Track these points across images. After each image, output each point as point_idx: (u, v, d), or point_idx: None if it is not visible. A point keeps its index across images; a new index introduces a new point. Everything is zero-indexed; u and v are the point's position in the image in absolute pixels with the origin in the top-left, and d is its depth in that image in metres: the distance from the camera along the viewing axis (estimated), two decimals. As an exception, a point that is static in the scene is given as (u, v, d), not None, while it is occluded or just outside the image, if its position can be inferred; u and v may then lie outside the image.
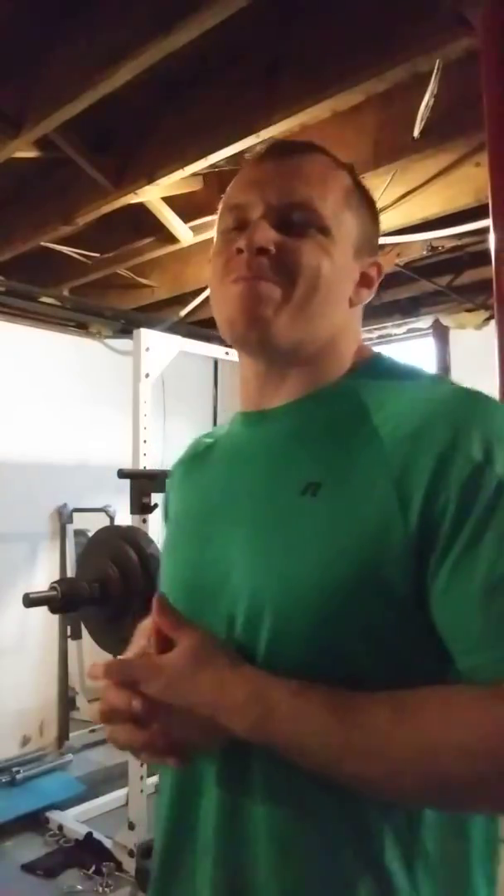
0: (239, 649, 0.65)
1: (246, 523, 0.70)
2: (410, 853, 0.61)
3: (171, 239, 2.70)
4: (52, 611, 2.21)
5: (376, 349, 0.80)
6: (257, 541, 0.68)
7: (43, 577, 3.55)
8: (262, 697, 0.60)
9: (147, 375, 2.63)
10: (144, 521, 2.48)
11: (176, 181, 2.28)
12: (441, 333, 3.74)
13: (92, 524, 3.29)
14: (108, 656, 3.37)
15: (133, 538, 2.21)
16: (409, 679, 0.58)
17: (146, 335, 2.69)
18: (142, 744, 0.65)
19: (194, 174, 2.29)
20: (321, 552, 0.62)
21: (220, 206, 0.78)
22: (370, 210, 0.78)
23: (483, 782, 0.54)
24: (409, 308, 3.74)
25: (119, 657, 0.73)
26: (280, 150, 0.76)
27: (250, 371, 0.77)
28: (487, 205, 1.38)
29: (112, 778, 3.17)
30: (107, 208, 2.42)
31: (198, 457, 0.88)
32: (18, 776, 3.11)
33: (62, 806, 2.97)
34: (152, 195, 2.40)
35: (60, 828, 2.82)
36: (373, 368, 0.75)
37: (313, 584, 0.62)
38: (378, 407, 0.67)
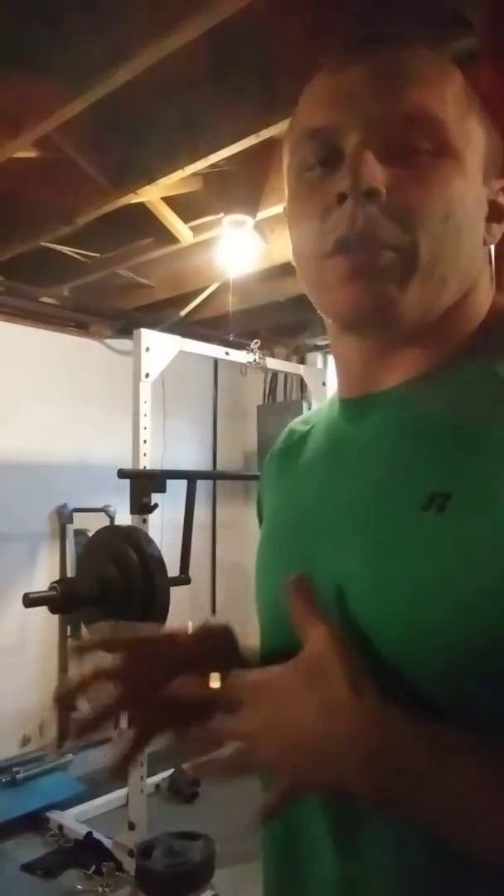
0: None
1: (359, 536, 0.56)
2: None
3: (171, 239, 2.70)
4: (52, 611, 2.21)
5: None
6: (375, 558, 0.54)
7: (43, 577, 3.54)
8: (391, 749, 0.47)
9: (147, 375, 2.63)
10: (144, 521, 2.48)
11: (176, 181, 2.28)
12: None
13: (92, 524, 3.29)
14: (108, 657, 3.35)
15: (133, 538, 2.21)
16: None
17: (146, 335, 2.69)
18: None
19: (194, 174, 2.29)
20: (456, 588, 0.48)
21: (288, 136, 0.60)
22: (490, 119, 0.58)
23: None
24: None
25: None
26: (368, 44, 0.56)
27: (351, 351, 0.61)
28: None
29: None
30: (107, 208, 2.42)
31: (293, 448, 0.72)
32: (18, 776, 3.10)
33: (62, 806, 2.97)
34: (152, 195, 2.40)
35: (60, 828, 2.82)
36: None
37: (445, 631, 0.48)
38: None
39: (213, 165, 2.17)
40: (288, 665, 0.51)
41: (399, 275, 0.53)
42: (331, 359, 0.72)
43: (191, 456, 4.36)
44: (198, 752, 0.54)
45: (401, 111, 0.52)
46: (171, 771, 3.21)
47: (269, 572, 0.67)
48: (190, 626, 0.64)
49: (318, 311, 0.60)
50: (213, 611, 4.54)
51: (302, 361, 4.14)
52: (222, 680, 0.53)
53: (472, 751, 0.47)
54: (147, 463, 2.60)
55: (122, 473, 2.50)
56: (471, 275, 0.57)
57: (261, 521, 0.77)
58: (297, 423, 0.75)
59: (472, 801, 0.46)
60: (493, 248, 0.61)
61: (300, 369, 3.77)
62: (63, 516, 3.72)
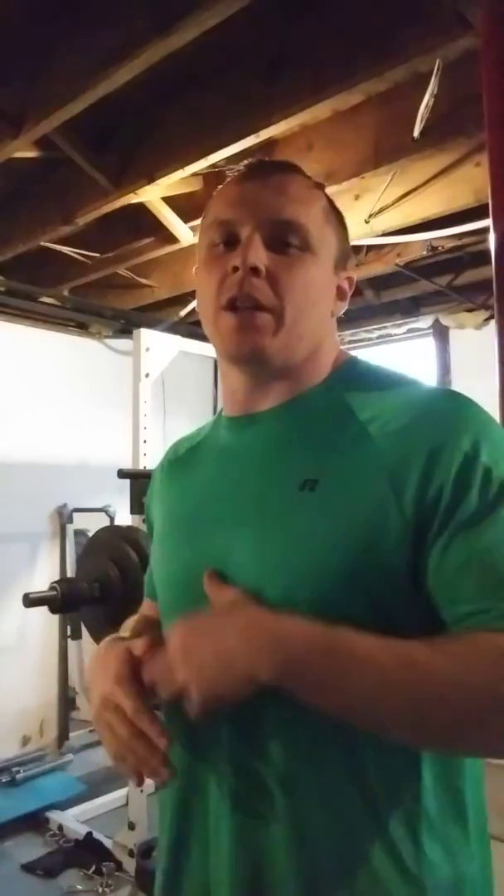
0: None
1: (247, 520, 0.73)
2: (414, 817, 0.65)
3: (171, 239, 2.70)
4: (52, 611, 2.21)
5: (353, 353, 0.85)
6: (261, 535, 0.71)
7: (43, 577, 3.54)
8: (291, 636, 0.62)
9: (147, 375, 2.63)
10: (144, 520, 2.48)
11: (176, 181, 2.28)
12: (441, 333, 3.74)
13: (92, 524, 3.29)
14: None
15: (133, 538, 2.21)
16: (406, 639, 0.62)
17: (146, 335, 2.69)
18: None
19: (194, 174, 2.29)
20: (323, 540, 0.66)
21: (203, 221, 0.81)
22: (342, 226, 0.82)
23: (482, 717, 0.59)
24: (409, 308, 3.74)
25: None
26: (262, 168, 0.80)
27: (237, 380, 0.80)
28: (487, 205, 1.39)
29: (112, 778, 3.17)
30: (107, 208, 2.42)
31: (179, 461, 0.91)
32: (18, 776, 3.11)
33: (62, 806, 2.97)
34: (152, 195, 2.40)
35: (60, 828, 2.82)
36: (351, 371, 0.80)
37: (317, 568, 0.66)
38: (361, 407, 0.72)
39: (213, 165, 2.17)
40: (205, 612, 0.69)
41: (270, 330, 0.73)
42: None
43: (191, 456, 4.35)
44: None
45: (281, 217, 0.74)
46: (171, 771, 3.21)
47: (172, 558, 0.82)
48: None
49: (213, 347, 0.80)
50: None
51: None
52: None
53: (361, 635, 0.61)
54: (147, 463, 2.60)
55: (122, 473, 2.50)
56: (321, 333, 0.78)
57: (149, 525, 0.95)
58: (180, 442, 0.94)
59: (365, 675, 0.59)
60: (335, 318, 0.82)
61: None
62: (63, 516, 3.73)
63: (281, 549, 0.69)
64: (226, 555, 0.73)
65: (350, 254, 0.84)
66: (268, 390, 0.78)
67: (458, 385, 3.28)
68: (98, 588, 2.12)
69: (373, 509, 0.65)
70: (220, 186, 0.82)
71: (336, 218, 0.81)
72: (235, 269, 0.73)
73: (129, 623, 0.92)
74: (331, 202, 0.81)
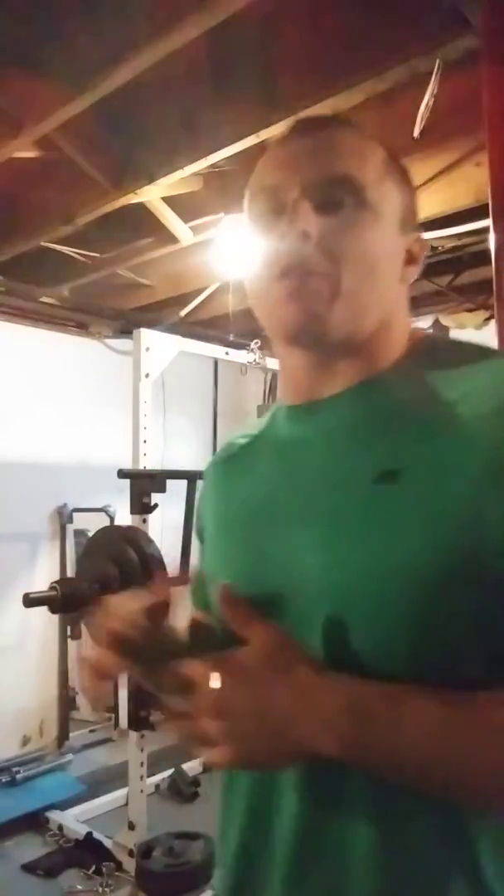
0: (321, 651, 0.60)
1: (316, 518, 0.65)
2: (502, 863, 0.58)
3: (171, 239, 2.70)
4: (52, 611, 2.20)
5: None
6: (333, 535, 0.63)
7: (43, 577, 3.55)
8: (356, 707, 0.54)
9: (147, 375, 2.64)
10: (144, 521, 2.48)
11: (176, 181, 2.28)
12: (441, 333, 3.74)
13: (92, 524, 3.29)
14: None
15: (133, 538, 2.21)
16: None
17: (146, 335, 2.69)
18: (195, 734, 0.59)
19: (194, 174, 2.29)
20: (410, 541, 0.57)
21: (248, 189, 0.73)
22: (408, 182, 0.72)
23: None
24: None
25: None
26: (308, 125, 0.71)
27: (298, 363, 0.71)
28: (487, 205, 1.39)
29: (112, 778, 3.17)
30: (107, 208, 2.42)
31: (233, 458, 0.82)
32: (18, 776, 3.11)
33: (62, 806, 2.97)
34: (152, 195, 2.40)
35: (60, 828, 2.82)
36: (431, 347, 0.71)
37: (406, 578, 0.57)
38: (447, 386, 0.63)
39: (213, 165, 2.17)
40: (249, 651, 0.59)
41: (326, 297, 0.65)
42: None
43: (191, 456, 4.36)
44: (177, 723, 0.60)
45: (331, 175, 0.66)
46: (171, 771, 3.21)
47: (228, 562, 0.74)
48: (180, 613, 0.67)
49: (266, 331, 0.72)
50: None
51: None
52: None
53: (428, 696, 0.54)
54: (147, 463, 2.60)
55: (122, 473, 2.50)
56: (389, 303, 0.69)
57: (200, 529, 0.85)
58: (236, 437, 0.85)
59: (431, 741, 0.53)
60: (408, 288, 0.73)
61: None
62: (63, 516, 3.73)
63: (361, 556, 0.59)
64: (293, 557, 0.64)
65: (416, 215, 0.73)
66: (334, 371, 0.69)
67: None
68: (98, 588, 2.12)
69: (467, 502, 0.56)
70: (267, 151, 0.74)
71: (399, 172, 0.71)
72: (283, 237, 0.66)
73: None
74: (392, 155, 0.71)
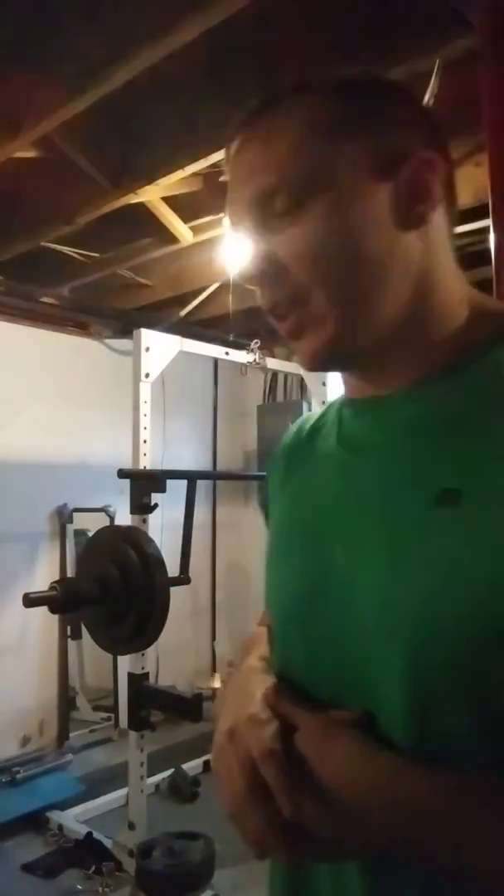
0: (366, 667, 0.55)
1: (371, 538, 0.57)
2: None
3: (171, 239, 2.70)
4: (52, 611, 2.20)
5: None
6: (391, 560, 0.55)
7: (43, 577, 3.55)
8: (412, 800, 0.49)
9: (147, 375, 2.63)
10: (144, 521, 2.48)
11: (176, 181, 2.28)
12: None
13: (92, 524, 3.29)
14: (107, 656, 3.39)
15: (133, 538, 2.20)
16: None
17: (146, 335, 2.68)
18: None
19: (194, 174, 2.29)
20: (468, 576, 0.49)
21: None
22: (383, 108, 0.58)
23: None
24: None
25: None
26: (241, 126, 0.60)
27: (349, 372, 0.66)
28: (487, 205, 1.38)
29: (112, 778, 3.17)
30: (107, 208, 2.42)
31: (299, 447, 0.73)
32: (18, 776, 3.10)
33: (62, 806, 2.97)
34: (152, 195, 2.40)
35: (60, 828, 2.82)
36: None
37: (459, 614, 0.49)
38: None
39: (213, 165, 2.17)
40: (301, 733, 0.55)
41: (320, 320, 0.57)
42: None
43: (191, 456, 4.36)
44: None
45: (258, 190, 0.57)
46: (171, 771, 3.21)
47: (281, 571, 0.67)
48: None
49: None
50: (213, 610, 4.54)
51: (302, 361, 4.13)
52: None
53: (489, 795, 0.48)
54: (147, 463, 2.60)
55: (122, 473, 2.50)
56: (400, 273, 0.57)
57: (266, 517, 0.77)
58: (306, 419, 0.76)
59: (488, 844, 0.47)
60: (439, 229, 0.60)
61: (300, 369, 3.77)
62: (63, 516, 3.73)
63: (415, 583, 0.52)
64: (348, 577, 0.57)
65: (408, 134, 0.58)
66: (388, 371, 0.60)
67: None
68: (98, 588, 2.12)
69: None
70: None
71: (363, 107, 0.58)
72: (251, 271, 0.59)
73: (256, 639, 0.75)
74: (356, 85, 0.60)
